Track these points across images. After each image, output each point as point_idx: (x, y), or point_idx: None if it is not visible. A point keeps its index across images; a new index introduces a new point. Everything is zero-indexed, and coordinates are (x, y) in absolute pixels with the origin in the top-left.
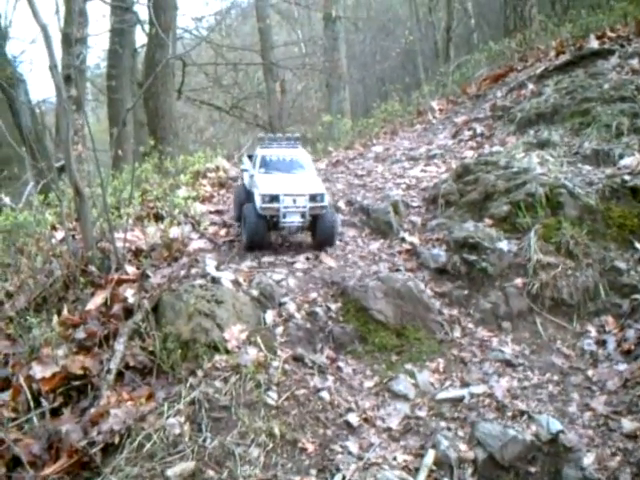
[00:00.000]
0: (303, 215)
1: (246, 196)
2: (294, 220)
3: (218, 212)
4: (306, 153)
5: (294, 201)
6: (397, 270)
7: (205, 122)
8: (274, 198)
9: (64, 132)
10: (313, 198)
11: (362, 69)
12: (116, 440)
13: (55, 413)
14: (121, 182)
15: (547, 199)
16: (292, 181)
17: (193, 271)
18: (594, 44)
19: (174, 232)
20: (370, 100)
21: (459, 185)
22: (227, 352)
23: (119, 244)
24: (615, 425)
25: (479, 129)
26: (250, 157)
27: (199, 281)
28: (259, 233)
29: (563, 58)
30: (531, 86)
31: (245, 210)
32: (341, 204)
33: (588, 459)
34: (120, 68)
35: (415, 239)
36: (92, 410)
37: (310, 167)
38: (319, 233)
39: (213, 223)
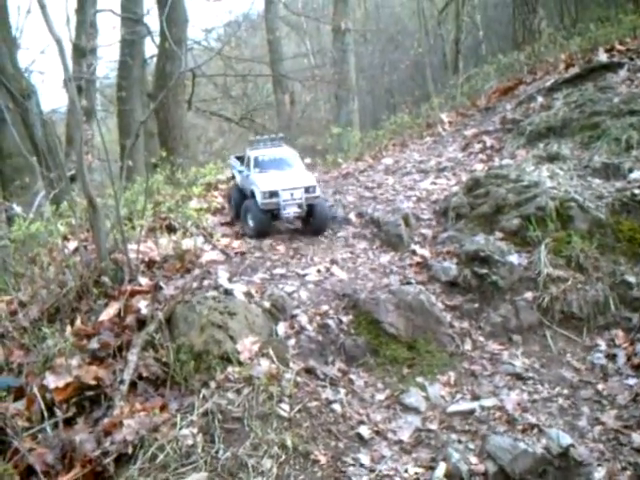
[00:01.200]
0: (300, 206)
1: (240, 195)
2: (292, 211)
3: (230, 224)
4: (292, 150)
5: (291, 194)
6: (408, 283)
7: (214, 133)
8: (273, 194)
9: (77, 143)
10: (307, 190)
11: (371, 81)
12: (129, 450)
13: (68, 423)
14: (133, 193)
15: (557, 213)
16: (287, 177)
17: (205, 283)
18: (603, 57)
19: (186, 244)
20: (379, 112)
21: (469, 198)
22: (240, 364)
23: (132, 255)
24: (625, 439)
25: (489, 142)
26: (238, 158)
27: (212, 293)
28: (264, 225)
29: (572, 71)
30: (540, 99)
31: (248, 206)
32: (352, 216)
33: (599, 473)
34: (130, 79)
35: (426, 252)
36: (105, 420)
37: (298, 163)
38: (314, 220)
39: (225, 235)
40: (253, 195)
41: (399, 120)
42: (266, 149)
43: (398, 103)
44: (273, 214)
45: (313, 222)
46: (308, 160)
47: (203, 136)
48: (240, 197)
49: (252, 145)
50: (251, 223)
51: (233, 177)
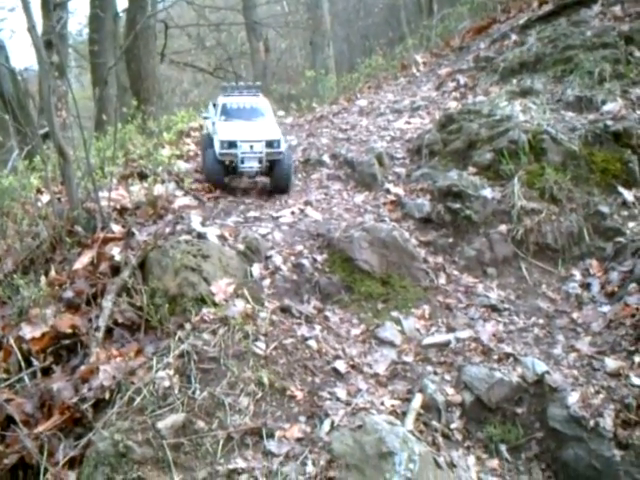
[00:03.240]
0: (260, 161)
1: (210, 143)
2: (252, 165)
3: (196, 143)
4: (266, 101)
5: (251, 147)
6: (382, 221)
7: (189, 84)
8: (232, 144)
9: (46, 94)
10: (270, 144)
11: (346, 26)
12: (107, 396)
13: (46, 372)
14: (105, 143)
15: (530, 146)
16: (250, 128)
17: (178, 228)
18: None
19: (158, 190)
20: (355, 57)
21: (443, 135)
22: (215, 305)
23: (104, 203)
24: (599, 364)
25: (462, 80)
26: (214, 105)
27: (185, 237)
28: (216, 176)
29: (546, 8)
30: (514, 37)
31: (205, 155)
32: (326, 158)
33: (572, 398)
34: (102, 32)
35: (400, 190)
36: (82, 367)
37: (269, 114)
38: (275, 178)
39: (197, 180)
40: (213, 144)
41: (374, 63)
42: (239, 97)
43: (374, 47)
44: (232, 167)
45: (271, 180)
46: (282, 112)
47: (178, 88)
48: (209, 145)
49: (225, 91)
50: (205, 172)
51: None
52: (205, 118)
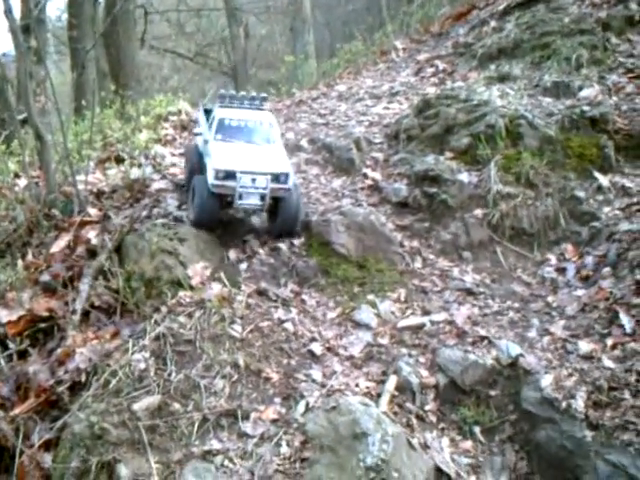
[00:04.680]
0: (263, 197)
1: (198, 160)
2: (251, 202)
3: (181, 154)
4: (273, 117)
5: (253, 180)
6: (359, 205)
7: (169, 70)
8: (229, 175)
9: (23, 79)
10: (276, 178)
11: (327, 12)
12: (83, 378)
13: (22, 355)
14: (83, 128)
15: (507, 130)
16: (253, 155)
17: (155, 211)
18: None
19: (135, 173)
20: (336, 44)
21: (420, 120)
22: (191, 288)
23: (81, 187)
24: (572, 347)
25: (441, 66)
26: (207, 112)
27: (161, 220)
28: (209, 213)
29: None
30: (493, 23)
31: (195, 183)
32: (304, 143)
33: (546, 380)
34: (81, 17)
35: (377, 175)
36: (59, 350)
37: (276, 136)
38: (279, 220)
39: (174, 164)
40: (205, 170)
41: (354, 49)
42: (239, 110)
43: (354, 34)
44: (226, 200)
45: (276, 222)
46: (269, 104)
47: (158, 74)
48: (197, 162)
49: (223, 101)
50: (193, 208)
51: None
52: (196, 134)
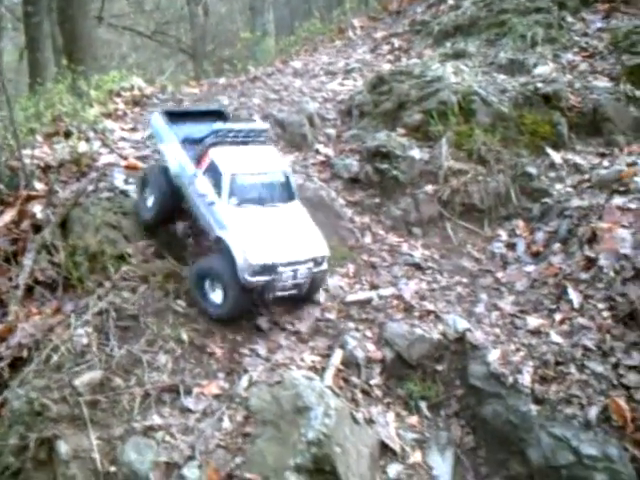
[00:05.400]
0: (299, 287)
1: (169, 188)
2: (286, 293)
3: (131, 130)
4: (281, 159)
5: (294, 272)
6: (310, 181)
7: (128, 49)
8: (269, 269)
9: None
10: (315, 262)
11: None
12: (24, 354)
13: None
14: (32, 102)
15: (460, 107)
16: (286, 231)
17: (101, 185)
18: None
19: (83, 148)
20: (296, 22)
21: (373, 96)
22: (135, 263)
23: (27, 161)
24: (521, 323)
25: (397, 43)
26: (169, 115)
27: (106, 194)
28: (244, 308)
29: None
30: (450, 1)
31: (217, 271)
32: (256, 118)
33: (493, 355)
34: None
35: (330, 150)
36: (0, 326)
37: (293, 189)
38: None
39: (123, 139)
40: (226, 250)
41: (311, 27)
42: (243, 154)
43: (313, 12)
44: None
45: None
46: (223, 80)
47: (116, 52)
48: (169, 191)
49: (216, 135)
50: (224, 303)
51: (158, 151)
52: (154, 141)
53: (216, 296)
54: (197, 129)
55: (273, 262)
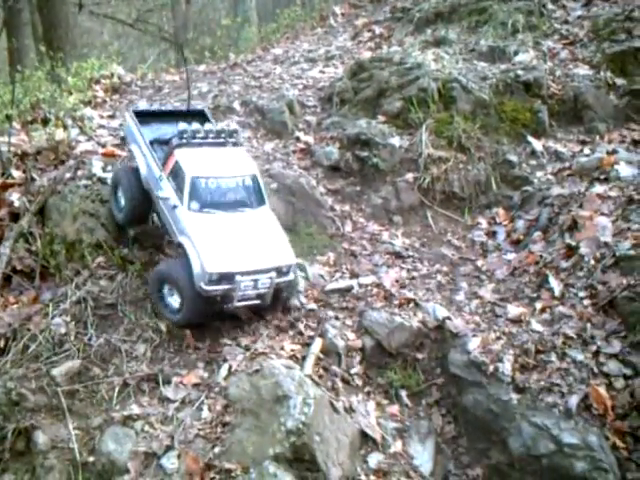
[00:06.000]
0: (262, 297)
1: (142, 194)
2: (248, 303)
3: (110, 117)
4: (250, 161)
5: (255, 282)
6: (290, 169)
7: (110, 37)
8: (227, 278)
9: None
10: (280, 272)
11: None
12: (2, 344)
13: None
14: (9, 89)
15: (440, 94)
16: (249, 239)
17: (79, 173)
18: None
19: (60, 135)
20: (278, 9)
21: (354, 83)
22: (112, 251)
23: (4, 148)
24: (501, 311)
25: (378, 30)
26: (144, 115)
27: (84, 182)
28: (202, 317)
29: None
30: None
31: (172, 276)
32: (236, 105)
33: (473, 344)
34: None
35: (310, 138)
36: None
37: (261, 196)
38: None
39: (102, 126)
40: (183, 253)
41: (293, 14)
42: (208, 152)
43: None
44: (215, 300)
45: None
46: (203, 67)
47: (98, 40)
48: (139, 193)
49: (181, 137)
50: (181, 309)
51: (129, 150)
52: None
53: (174, 301)
54: (171, 130)
55: (231, 271)
